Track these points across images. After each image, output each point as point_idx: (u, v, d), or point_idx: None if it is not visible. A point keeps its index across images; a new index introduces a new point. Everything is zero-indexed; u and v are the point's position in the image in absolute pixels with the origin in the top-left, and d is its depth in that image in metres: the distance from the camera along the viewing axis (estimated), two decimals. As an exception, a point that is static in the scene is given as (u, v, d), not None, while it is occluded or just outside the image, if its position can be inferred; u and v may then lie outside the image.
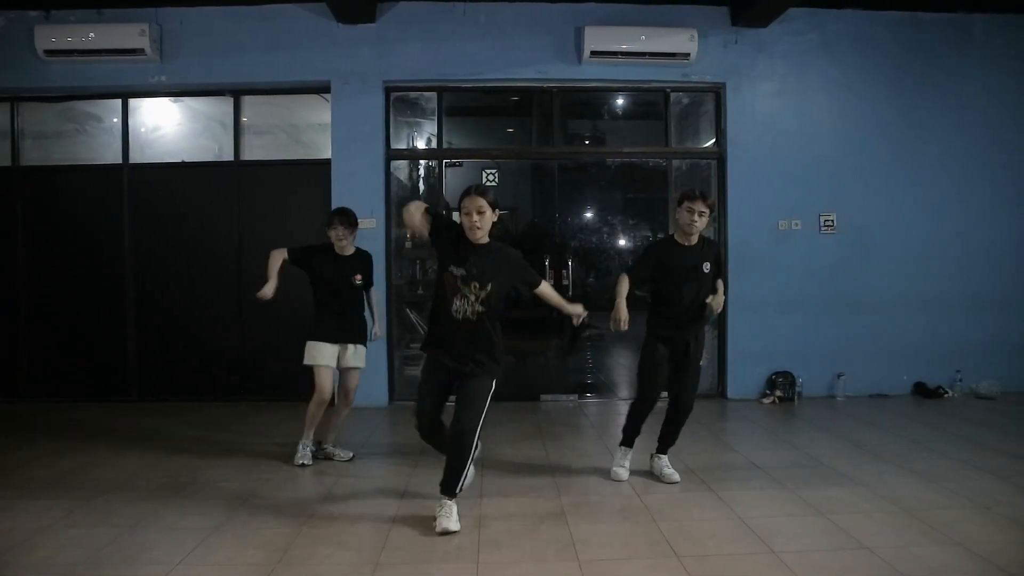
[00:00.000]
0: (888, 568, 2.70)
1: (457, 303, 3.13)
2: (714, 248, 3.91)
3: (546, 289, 3.46)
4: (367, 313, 4.43)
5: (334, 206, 5.86)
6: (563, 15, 6.00)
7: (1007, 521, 3.17)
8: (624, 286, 3.77)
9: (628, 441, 3.99)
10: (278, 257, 4.09)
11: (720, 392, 6.24)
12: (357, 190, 5.90)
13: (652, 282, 3.86)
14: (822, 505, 3.40)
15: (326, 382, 4.17)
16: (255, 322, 6.13)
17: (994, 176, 6.26)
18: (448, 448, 3.21)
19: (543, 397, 6.24)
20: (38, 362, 6.21)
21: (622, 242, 6.53)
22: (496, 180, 6.63)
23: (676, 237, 3.85)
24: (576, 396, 6.28)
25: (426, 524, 3.18)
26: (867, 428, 5.02)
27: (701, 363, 3.95)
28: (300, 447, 4.23)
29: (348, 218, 4.21)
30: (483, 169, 6.67)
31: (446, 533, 3.07)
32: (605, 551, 2.92)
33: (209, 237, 6.17)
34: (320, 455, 4.29)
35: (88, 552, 2.91)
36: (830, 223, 6.16)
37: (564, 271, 6.21)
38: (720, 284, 3.87)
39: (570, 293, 6.18)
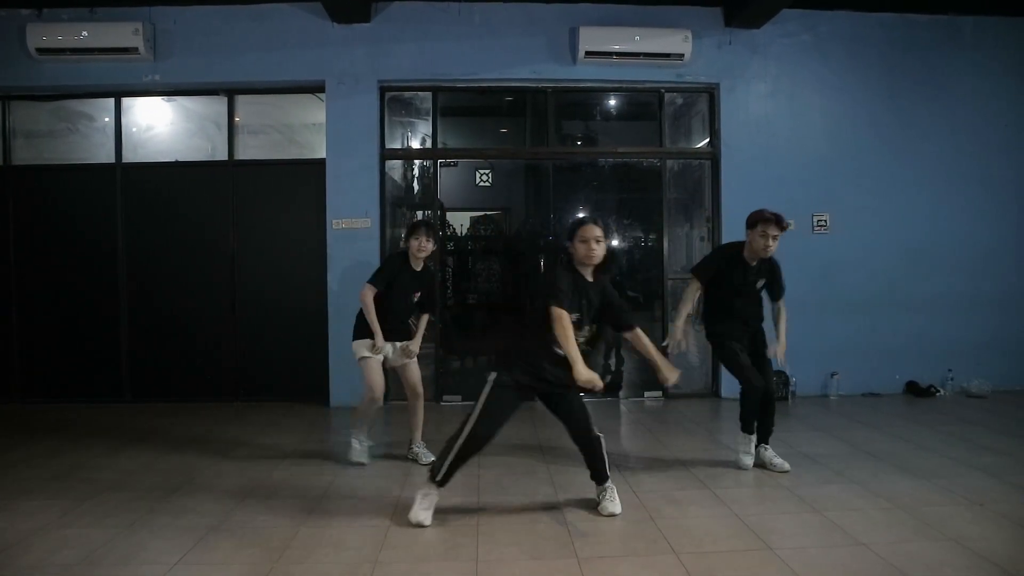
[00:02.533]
0: (883, 564, 2.73)
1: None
2: (773, 266, 4.01)
3: (641, 336, 3.37)
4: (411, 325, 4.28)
5: (328, 206, 5.92)
6: (557, 15, 6.01)
7: (999, 517, 3.20)
8: (693, 291, 3.99)
9: (750, 428, 4.09)
10: (370, 297, 3.93)
11: (714, 391, 6.24)
12: (351, 190, 5.92)
13: (707, 291, 4.00)
14: (817, 502, 3.43)
15: (376, 377, 3.97)
16: (249, 322, 6.12)
17: (986, 177, 6.32)
18: (589, 447, 3.40)
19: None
20: (30, 362, 6.16)
21: (616, 242, 6.54)
22: (490, 180, 6.64)
23: (744, 254, 3.95)
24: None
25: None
26: (860, 426, 5.06)
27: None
28: (354, 442, 4.17)
29: (433, 230, 4.08)
30: (477, 169, 6.69)
31: (614, 516, 3.27)
32: (603, 548, 2.93)
33: (203, 237, 6.15)
34: (409, 456, 4.25)
35: (84, 552, 2.90)
36: (823, 223, 6.20)
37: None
38: (782, 328, 4.11)
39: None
